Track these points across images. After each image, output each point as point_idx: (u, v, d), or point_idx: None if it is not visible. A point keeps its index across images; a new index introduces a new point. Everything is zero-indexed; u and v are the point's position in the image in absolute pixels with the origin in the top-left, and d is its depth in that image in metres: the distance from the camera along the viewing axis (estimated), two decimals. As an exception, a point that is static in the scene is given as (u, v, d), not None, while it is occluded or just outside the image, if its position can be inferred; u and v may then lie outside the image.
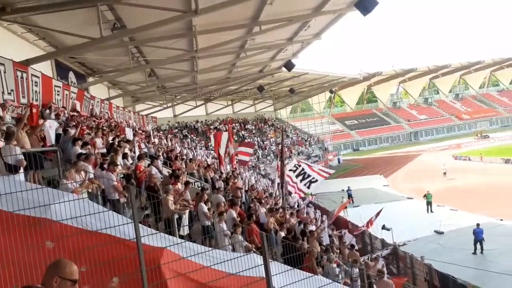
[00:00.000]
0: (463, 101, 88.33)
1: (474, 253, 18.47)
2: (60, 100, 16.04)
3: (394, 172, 46.88)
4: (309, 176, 17.30)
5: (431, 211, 27.04)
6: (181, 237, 8.28)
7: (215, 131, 45.87)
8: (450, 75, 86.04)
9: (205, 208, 9.93)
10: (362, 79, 72.05)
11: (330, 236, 15.42)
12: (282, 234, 11.19)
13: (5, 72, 11.03)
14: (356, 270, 10.30)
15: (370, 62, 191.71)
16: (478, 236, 18.54)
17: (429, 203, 27.36)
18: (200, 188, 12.60)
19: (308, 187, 17.64)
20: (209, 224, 9.70)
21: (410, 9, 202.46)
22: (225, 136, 20.14)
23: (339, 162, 62.01)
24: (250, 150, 26.40)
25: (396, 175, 45.56)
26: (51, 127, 9.02)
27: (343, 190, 34.57)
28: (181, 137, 42.79)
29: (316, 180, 17.33)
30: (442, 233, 21.96)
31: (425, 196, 27.71)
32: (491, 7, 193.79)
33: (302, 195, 19.90)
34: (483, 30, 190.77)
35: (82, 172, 7.35)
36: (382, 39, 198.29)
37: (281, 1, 18.80)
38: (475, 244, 18.58)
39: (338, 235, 16.09)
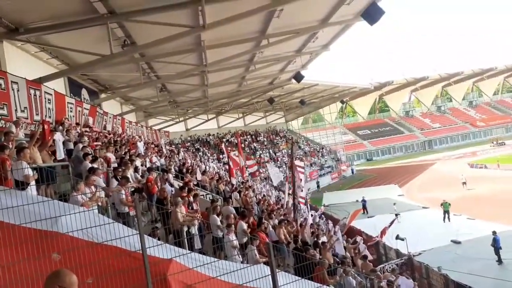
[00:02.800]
0: (477, 108, 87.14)
1: (499, 261, 17.90)
2: (73, 116, 16.33)
3: (408, 182, 46.25)
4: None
5: (448, 220, 26.52)
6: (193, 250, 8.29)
7: (227, 144, 46.15)
8: (462, 82, 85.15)
9: (217, 220, 9.93)
10: (373, 89, 71.71)
11: (345, 247, 15.20)
12: (294, 245, 11.10)
13: (18, 90, 11.30)
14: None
15: (381, 71, 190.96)
16: (498, 243, 18.04)
17: (446, 212, 26.84)
18: (210, 200, 12.58)
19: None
20: (221, 236, 9.69)
21: (419, 17, 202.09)
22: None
23: (352, 172, 61.50)
24: (252, 161, 26.63)
25: (411, 184, 44.93)
26: (59, 140, 9.20)
27: (357, 201, 34.20)
28: (193, 150, 43.04)
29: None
30: (459, 242, 21.47)
31: (442, 205, 27.22)
32: (502, 12, 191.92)
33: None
34: (495, 37, 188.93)
35: (92, 187, 7.47)
36: (392, 48, 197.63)
37: (288, 14, 18.95)
38: (497, 253, 18.03)
39: (353, 247, 15.82)
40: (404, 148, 78.08)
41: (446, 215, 26.80)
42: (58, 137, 9.53)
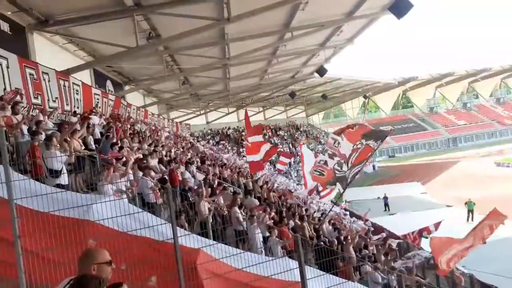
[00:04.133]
0: (505, 106, 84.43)
1: None
2: (100, 107, 16.65)
3: (432, 179, 45.33)
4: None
5: (472, 220, 25.88)
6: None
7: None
8: (490, 78, 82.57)
9: (238, 212, 9.97)
10: (397, 84, 70.32)
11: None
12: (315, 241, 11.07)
13: (49, 81, 11.58)
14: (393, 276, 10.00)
15: (405, 66, 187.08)
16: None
17: (470, 211, 26.21)
18: (232, 193, 12.64)
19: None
20: (242, 228, 9.73)
21: (444, 11, 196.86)
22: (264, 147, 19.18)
23: (374, 169, 60.60)
24: (288, 160, 26.28)
25: (434, 182, 44.03)
26: (96, 124, 9.49)
27: (379, 198, 33.76)
28: (214, 143, 43.30)
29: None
30: (484, 242, 20.93)
31: (466, 204, 26.58)
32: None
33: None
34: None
35: (118, 174, 7.59)
36: (418, 43, 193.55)
37: (313, 7, 18.71)
38: None
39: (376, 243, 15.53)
40: (427, 145, 76.45)
41: (470, 215, 26.17)
42: (95, 120, 9.76)
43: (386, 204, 31.81)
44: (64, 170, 6.49)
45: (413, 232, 17.41)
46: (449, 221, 25.77)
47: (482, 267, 16.19)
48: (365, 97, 69.21)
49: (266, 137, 50.71)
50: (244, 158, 29.41)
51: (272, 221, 10.31)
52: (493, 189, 34.66)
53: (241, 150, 42.91)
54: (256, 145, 17.58)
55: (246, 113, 22.31)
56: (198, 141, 33.41)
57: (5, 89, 10.00)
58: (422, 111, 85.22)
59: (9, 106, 8.10)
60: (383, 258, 12.66)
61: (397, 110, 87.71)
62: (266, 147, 17.69)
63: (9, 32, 13.28)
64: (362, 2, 19.48)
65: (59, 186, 5.98)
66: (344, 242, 11.55)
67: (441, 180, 44.63)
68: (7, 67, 10.08)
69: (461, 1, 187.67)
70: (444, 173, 48.58)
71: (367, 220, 20.86)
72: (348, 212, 24.82)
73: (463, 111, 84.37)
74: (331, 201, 18.78)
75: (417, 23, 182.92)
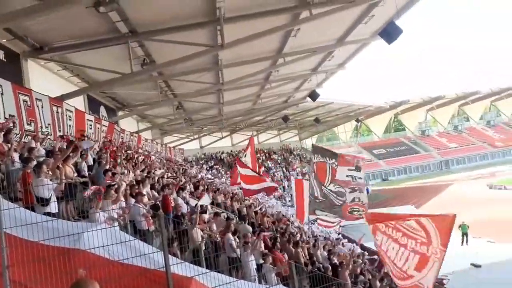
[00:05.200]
0: (495, 128, 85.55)
1: None
2: (93, 133, 16.61)
3: (425, 203, 45.30)
4: None
5: (466, 243, 25.80)
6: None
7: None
8: (480, 101, 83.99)
9: (232, 239, 9.83)
10: (389, 108, 71.22)
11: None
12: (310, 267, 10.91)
13: (42, 107, 11.58)
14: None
15: (396, 90, 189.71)
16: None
17: (464, 235, 26.13)
18: (225, 218, 12.52)
19: None
20: (236, 255, 9.57)
21: (432, 36, 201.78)
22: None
23: (368, 192, 60.39)
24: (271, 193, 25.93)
25: (427, 205, 43.97)
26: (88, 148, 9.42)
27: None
28: (207, 168, 43.16)
29: None
30: (479, 266, 20.81)
31: (460, 227, 26.52)
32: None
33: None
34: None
35: (109, 201, 7.49)
36: (408, 67, 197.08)
37: (305, 33, 19.15)
38: None
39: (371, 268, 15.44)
40: (420, 168, 76.75)
41: (465, 238, 26.09)
42: (87, 144, 9.71)
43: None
44: (54, 198, 6.40)
45: None
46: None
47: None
48: (357, 120, 69.90)
49: (260, 161, 50.76)
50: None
51: (266, 250, 10.16)
52: (486, 212, 34.69)
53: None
54: (251, 178, 17.45)
55: (251, 140, 22.43)
56: (192, 166, 33.31)
57: (-2, 116, 9.98)
58: (414, 134, 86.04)
59: (1, 134, 8.05)
60: (378, 284, 12.51)
61: (389, 133, 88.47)
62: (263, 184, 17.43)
63: (3, 59, 13.37)
64: (353, 28, 19.98)
65: (48, 214, 5.88)
66: (340, 268, 11.41)
67: (434, 203, 44.58)
68: (1, 94, 10.09)
69: (447, 24, 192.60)
70: (437, 196, 48.64)
71: (362, 245, 20.72)
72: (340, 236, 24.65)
73: (454, 134, 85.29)
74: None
75: (407, 47, 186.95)
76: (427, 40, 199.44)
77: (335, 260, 13.51)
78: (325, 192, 14.85)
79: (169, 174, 17.34)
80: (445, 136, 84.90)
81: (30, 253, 4.44)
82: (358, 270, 13.13)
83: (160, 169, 17.20)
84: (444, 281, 15.74)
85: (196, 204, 10.87)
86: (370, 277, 13.43)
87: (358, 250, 18.85)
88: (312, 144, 19.98)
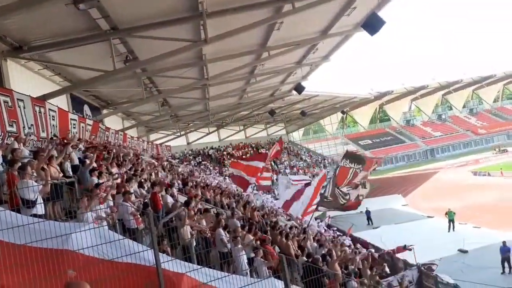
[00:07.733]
0: (478, 116, 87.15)
1: (503, 272, 17.78)
2: (77, 132, 16.35)
3: (412, 191, 46.01)
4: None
5: (453, 230, 26.31)
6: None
7: (228, 157, 46.11)
8: (462, 90, 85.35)
9: (222, 234, 9.82)
10: (374, 99, 71.89)
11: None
12: (304, 258, 10.98)
13: (24, 108, 11.35)
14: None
15: (380, 81, 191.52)
16: (504, 253, 17.93)
17: (451, 221, 26.62)
18: (215, 214, 12.51)
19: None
20: (227, 250, 9.57)
21: (415, 26, 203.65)
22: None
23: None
24: (269, 174, 26.18)
25: (414, 194, 44.68)
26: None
27: (361, 212, 33.93)
28: (195, 164, 42.99)
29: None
30: (466, 251, 21.26)
31: (446, 214, 27.01)
32: (500, 19, 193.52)
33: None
34: (494, 44, 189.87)
35: (97, 201, 7.40)
36: (391, 57, 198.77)
37: (288, 26, 19.11)
38: (502, 263, 17.90)
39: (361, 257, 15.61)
40: (406, 158, 77.79)
41: (451, 224, 26.60)
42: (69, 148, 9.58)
43: (369, 218, 32.00)
44: (40, 200, 6.29)
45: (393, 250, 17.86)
46: (431, 232, 26.20)
47: (466, 276, 16.41)
48: (343, 112, 70.36)
49: (248, 155, 50.76)
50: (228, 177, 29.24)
51: (258, 242, 10.19)
52: (471, 198, 35.42)
53: (223, 169, 42.76)
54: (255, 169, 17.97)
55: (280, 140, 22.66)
56: (179, 163, 33.12)
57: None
58: (399, 124, 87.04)
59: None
60: (368, 272, 12.67)
61: (374, 124, 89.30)
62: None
63: (-18, 60, 13.05)
64: (336, 20, 20.02)
65: (35, 216, 5.78)
66: (329, 259, 11.51)
67: (421, 192, 45.35)
68: (-19, 96, 9.87)
69: (430, 15, 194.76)
70: (424, 184, 49.42)
71: (351, 235, 20.99)
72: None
73: (438, 123, 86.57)
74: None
75: (390, 38, 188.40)
76: (410, 30, 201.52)
77: (325, 251, 13.63)
78: (336, 193, 15.47)
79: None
80: (429, 125, 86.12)
81: (17, 257, 4.36)
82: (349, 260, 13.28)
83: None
84: (433, 267, 16.06)
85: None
86: (361, 266, 13.60)
87: (347, 241, 19.04)
88: (347, 150, 20.54)
